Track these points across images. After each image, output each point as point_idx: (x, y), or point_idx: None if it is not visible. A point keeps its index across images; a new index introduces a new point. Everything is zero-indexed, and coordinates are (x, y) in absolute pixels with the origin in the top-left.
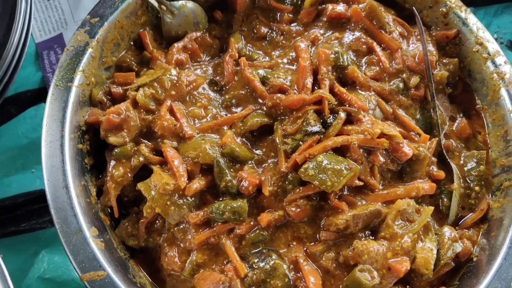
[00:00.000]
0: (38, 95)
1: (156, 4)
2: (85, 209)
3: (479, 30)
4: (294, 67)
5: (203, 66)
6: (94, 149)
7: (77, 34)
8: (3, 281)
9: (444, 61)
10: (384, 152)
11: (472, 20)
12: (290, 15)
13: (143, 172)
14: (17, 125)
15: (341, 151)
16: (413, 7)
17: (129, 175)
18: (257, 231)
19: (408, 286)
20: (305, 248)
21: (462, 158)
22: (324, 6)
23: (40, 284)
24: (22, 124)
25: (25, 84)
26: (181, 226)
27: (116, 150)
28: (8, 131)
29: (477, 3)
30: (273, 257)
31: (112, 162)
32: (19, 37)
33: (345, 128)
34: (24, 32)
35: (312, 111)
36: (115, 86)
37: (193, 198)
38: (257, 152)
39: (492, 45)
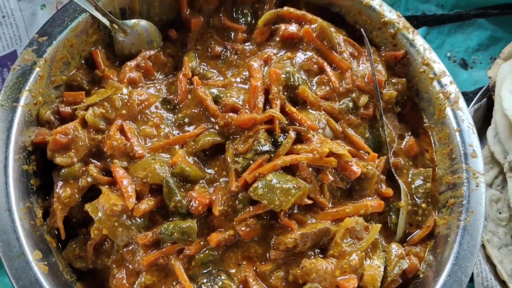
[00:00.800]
0: None
1: (107, 23)
2: (29, 231)
3: (426, 51)
4: (247, 86)
5: (157, 85)
6: (42, 170)
7: (24, 54)
8: None
9: (393, 80)
10: (333, 170)
11: (419, 41)
12: (244, 35)
13: (92, 192)
14: None
15: (290, 170)
16: (361, 29)
17: (77, 196)
18: (207, 251)
19: None
20: (255, 268)
21: (410, 176)
22: (277, 26)
23: None
24: None
25: None
26: (130, 247)
27: (63, 171)
28: None
29: (430, 23)
30: (222, 277)
31: (59, 183)
32: None
33: (295, 147)
34: None
35: (263, 130)
36: (64, 105)
37: (142, 219)
38: (209, 171)
39: (438, 66)
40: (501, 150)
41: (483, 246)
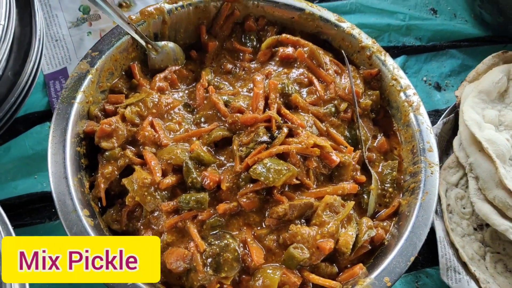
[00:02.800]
0: (44, 116)
1: (144, 44)
2: (79, 196)
3: (395, 69)
4: (251, 94)
5: (180, 93)
6: (89, 153)
7: (80, 64)
8: None
9: (369, 92)
10: (317, 159)
11: (390, 61)
12: (251, 55)
13: (127, 172)
14: (25, 139)
15: (283, 157)
16: (343, 51)
17: (116, 172)
18: (216, 217)
19: (334, 264)
20: (253, 232)
21: (380, 167)
22: (277, 48)
23: None
24: (29, 138)
25: (33, 107)
26: (155, 214)
27: (106, 153)
28: (17, 144)
29: (409, 52)
30: (227, 237)
31: (103, 162)
32: (32, 68)
33: (287, 139)
34: (36, 65)
35: (262, 127)
36: (108, 104)
37: (165, 191)
38: (220, 158)
39: (404, 81)
40: (464, 155)
41: (447, 233)
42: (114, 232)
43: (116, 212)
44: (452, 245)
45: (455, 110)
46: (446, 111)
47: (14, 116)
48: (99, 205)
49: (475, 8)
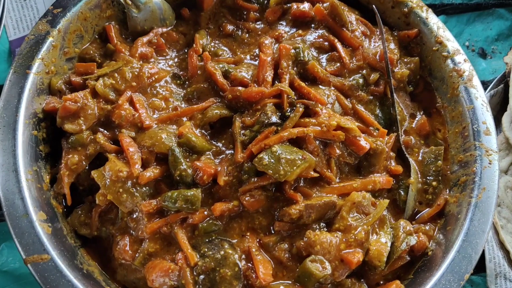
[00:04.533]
0: None
1: None
2: (34, 194)
3: (440, 29)
4: (256, 63)
5: (168, 61)
6: (51, 138)
7: (38, 24)
8: None
9: (405, 60)
10: (341, 145)
11: (433, 19)
12: (256, 14)
13: (100, 161)
14: None
15: (297, 143)
16: (373, 6)
17: (84, 163)
18: (210, 221)
19: (362, 280)
20: (258, 239)
21: (420, 154)
22: (289, 5)
23: None
24: None
25: None
26: (134, 215)
27: (71, 138)
28: None
29: (449, 11)
30: (225, 246)
31: (67, 150)
32: None
33: (302, 120)
34: None
35: (271, 104)
36: (75, 75)
37: (147, 187)
38: (217, 144)
39: (452, 44)
40: None
41: (496, 232)
42: (83, 238)
43: (85, 213)
44: (502, 246)
45: (504, 80)
46: (494, 82)
47: None
48: (64, 204)
49: None
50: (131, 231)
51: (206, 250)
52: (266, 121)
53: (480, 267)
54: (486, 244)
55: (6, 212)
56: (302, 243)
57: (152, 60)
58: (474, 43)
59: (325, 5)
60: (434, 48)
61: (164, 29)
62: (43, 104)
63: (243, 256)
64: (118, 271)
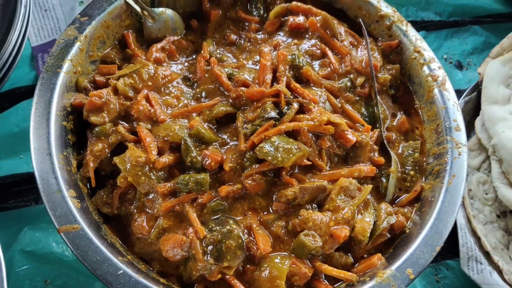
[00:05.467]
0: (31, 91)
1: (139, 10)
2: (65, 175)
3: (417, 40)
4: (257, 67)
5: (179, 65)
6: (77, 129)
7: (67, 30)
8: None
9: (388, 67)
10: (330, 138)
11: (412, 32)
12: (257, 25)
13: (120, 150)
14: (10, 116)
15: (293, 135)
16: (360, 20)
17: (107, 150)
18: (217, 201)
19: (349, 254)
20: (259, 217)
21: (400, 148)
22: (286, 18)
23: (22, 256)
24: (14, 115)
25: (20, 81)
26: (150, 196)
27: (96, 129)
28: (1, 121)
29: (429, 28)
30: (230, 222)
31: (93, 139)
32: (17, 38)
33: (298, 116)
34: (21, 35)
35: (270, 102)
36: (99, 75)
37: (162, 172)
38: (223, 136)
39: (428, 53)
40: (486, 136)
41: (469, 221)
42: (104, 216)
43: (106, 194)
44: (474, 233)
45: (477, 88)
46: (468, 89)
47: None
48: (88, 186)
49: None
50: (147, 210)
51: (213, 225)
52: (266, 116)
53: (455, 253)
54: (460, 231)
55: (42, 189)
56: (297, 220)
57: (165, 64)
58: (451, 56)
59: (317, 18)
60: (412, 56)
61: (175, 38)
62: (71, 99)
63: (246, 231)
64: (136, 244)
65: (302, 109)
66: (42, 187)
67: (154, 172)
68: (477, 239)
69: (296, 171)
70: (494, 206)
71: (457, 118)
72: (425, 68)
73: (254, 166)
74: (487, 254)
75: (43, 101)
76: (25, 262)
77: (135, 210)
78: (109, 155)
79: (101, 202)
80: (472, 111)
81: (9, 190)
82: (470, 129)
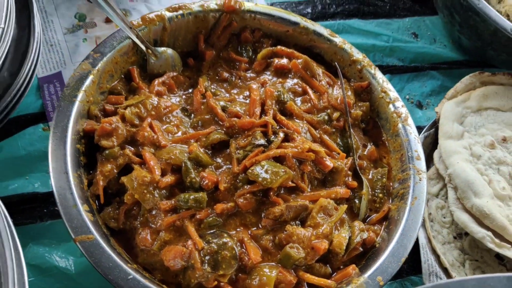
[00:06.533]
0: (37, 118)
1: (144, 48)
2: (79, 191)
3: (384, 82)
4: (247, 101)
5: (177, 97)
6: (88, 152)
7: (82, 64)
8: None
9: (359, 104)
10: (311, 163)
11: (379, 75)
12: (246, 65)
13: (125, 171)
14: (18, 139)
15: (279, 160)
16: (336, 63)
17: (115, 171)
18: (213, 217)
19: (327, 265)
20: (249, 232)
21: (370, 174)
22: (272, 59)
23: (27, 269)
24: (22, 139)
25: (26, 109)
26: (153, 212)
27: (106, 152)
28: (9, 145)
29: (393, 71)
30: (225, 235)
31: (102, 161)
32: (29, 70)
33: (283, 144)
34: (33, 67)
35: (259, 131)
36: (108, 104)
37: (164, 191)
38: (218, 160)
39: (393, 93)
40: (443, 166)
41: (429, 240)
42: (111, 230)
43: (113, 210)
44: (434, 251)
45: (435, 125)
46: (427, 126)
47: (9, 116)
48: (97, 203)
49: (453, 33)
50: (151, 224)
51: (210, 238)
52: (256, 143)
53: (418, 270)
54: (422, 249)
55: (60, 203)
56: (283, 235)
57: (165, 96)
58: (413, 97)
59: (299, 60)
60: (380, 96)
61: (174, 73)
62: (84, 125)
63: (238, 244)
64: (140, 255)
65: (287, 138)
66: (60, 201)
67: (157, 190)
68: (437, 256)
69: (281, 192)
70: (451, 228)
71: (418, 149)
72: (390, 106)
73: (245, 186)
74: (445, 270)
75: (60, 126)
76: (30, 275)
77: (139, 225)
78: (116, 175)
79: (109, 217)
80: (431, 145)
81: (15, 208)
82: (429, 161)
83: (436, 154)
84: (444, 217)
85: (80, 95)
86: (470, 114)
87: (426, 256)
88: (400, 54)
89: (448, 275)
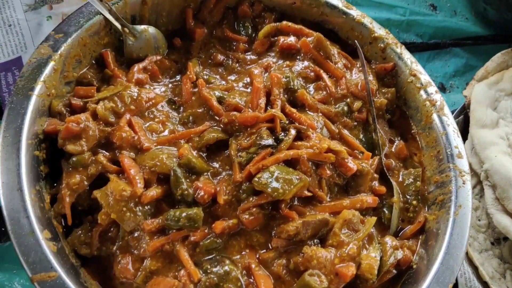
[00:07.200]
0: None
1: (119, 27)
2: (38, 213)
3: (413, 63)
4: (248, 90)
5: (162, 87)
6: (50, 159)
7: (40, 48)
8: None
9: (383, 90)
10: (331, 166)
11: (407, 55)
12: (245, 45)
13: (100, 182)
14: None
15: (291, 164)
16: (355, 41)
17: (85, 183)
18: (211, 238)
19: None
20: (257, 256)
21: (400, 176)
22: (276, 38)
23: None
24: None
25: None
26: (136, 234)
27: (73, 159)
28: None
29: (411, 50)
30: (227, 262)
31: (68, 170)
32: None
33: (295, 143)
34: None
35: (265, 128)
36: (75, 98)
37: (148, 207)
38: (215, 165)
39: (424, 77)
40: (477, 161)
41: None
42: (82, 258)
43: (84, 233)
44: (471, 262)
45: (464, 111)
46: (454, 113)
47: None
48: (63, 224)
49: (478, 4)
50: (133, 250)
51: (208, 266)
52: (263, 144)
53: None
54: None
55: (11, 231)
56: (299, 258)
57: (148, 85)
58: (434, 79)
59: (309, 39)
60: (408, 80)
61: (158, 57)
62: (44, 125)
63: (244, 272)
64: None
65: (299, 136)
66: (12, 228)
67: (140, 207)
68: (475, 268)
69: (295, 203)
70: (487, 232)
71: (458, 144)
72: (422, 92)
73: (251, 198)
74: (485, 284)
75: (12, 128)
76: None
77: (118, 251)
78: (87, 188)
79: (79, 242)
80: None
81: None
82: None
83: (467, 146)
84: (479, 220)
85: (38, 88)
86: (504, 98)
87: (462, 268)
88: (418, 29)
89: None
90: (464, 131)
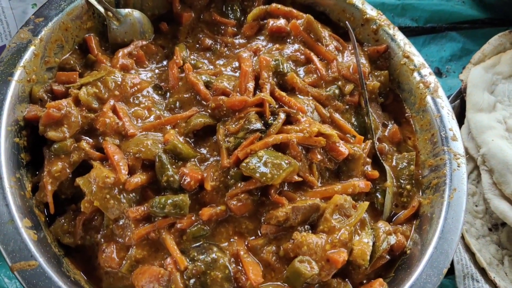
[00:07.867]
0: None
1: (102, 10)
2: (18, 201)
3: (406, 45)
4: (237, 74)
5: (148, 72)
6: (31, 146)
7: (20, 32)
8: None
9: (375, 73)
10: (321, 150)
11: (400, 36)
12: (234, 29)
13: (83, 169)
14: None
15: (281, 149)
16: (347, 23)
17: (68, 170)
18: (199, 225)
19: (347, 279)
20: (246, 243)
21: (394, 160)
22: (265, 21)
23: None
24: None
25: None
26: (120, 222)
27: (55, 146)
28: None
29: (406, 34)
30: (214, 249)
31: (51, 158)
32: None
33: (285, 128)
34: None
35: (253, 112)
36: (57, 84)
37: (133, 194)
38: (202, 151)
39: (418, 58)
40: (474, 145)
41: (462, 235)
42: (66, 247)
43: (68, 222)
44: (468, 248)
45: (460, 96)
46: (451, 98)
47: None
48: (46, 213)
49: None
50: (117, 238)
51: (195, 254)
52: (251, 128)
53: (448, 270)
54: None
55: None
56: (289, 245)
57: (133, 71)
58: (430, 63)
59: (299, 21)
60: (401, 62)
61: (144, 42)
62: (24, 112)
63: (232, 259)
64: (104, 279)
65: (289, 120)
66: None
67: (124, 194)
68: (472, 254)
69: (285, 188)
70: (485, 218)
71: (453, 127)
72: (415, 74)
73: (239, 184)
74: (483, 271)
75: None
76: None
77: (102, 240)
78: (70, 176)
79: (62, 231)
80: (456, 119)
81: None
82: None
83: (464, 130)
84: (476, 205)
85: (18, 73)
86: (502, 81)
87: (459, 254)
88: (413, 13)
89: (486, 277)
90: (461, 116)
